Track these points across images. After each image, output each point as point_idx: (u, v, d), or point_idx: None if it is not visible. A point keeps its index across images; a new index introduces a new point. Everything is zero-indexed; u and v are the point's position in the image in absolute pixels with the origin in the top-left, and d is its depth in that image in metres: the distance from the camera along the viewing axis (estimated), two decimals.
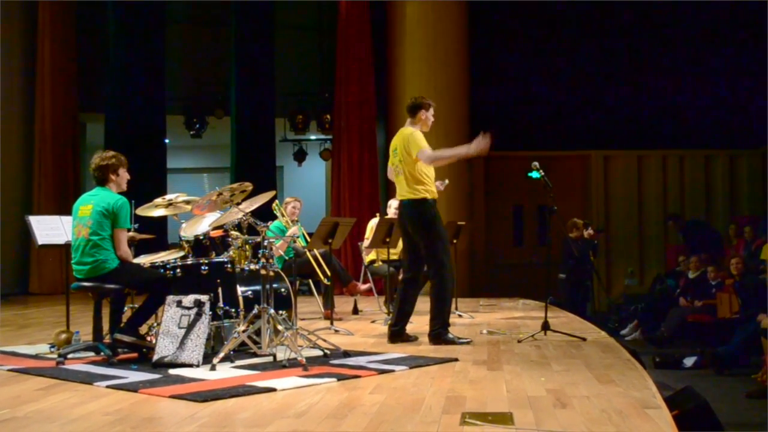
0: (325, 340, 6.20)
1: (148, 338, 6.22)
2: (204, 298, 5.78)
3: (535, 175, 7.29)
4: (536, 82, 16.11)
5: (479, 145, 6.74)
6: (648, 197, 16.11)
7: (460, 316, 9.10)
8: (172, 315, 5.74)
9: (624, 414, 4.07)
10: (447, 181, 7.47)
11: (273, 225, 8.55)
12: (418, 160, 6.77)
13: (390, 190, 11.86)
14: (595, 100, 16.07)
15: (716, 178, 16.20)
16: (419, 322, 7.32)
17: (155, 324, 6.24)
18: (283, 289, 6.82)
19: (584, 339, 7.00)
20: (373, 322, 8.77)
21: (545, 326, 7.17)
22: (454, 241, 9.39)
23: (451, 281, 6.89)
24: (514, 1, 15.79)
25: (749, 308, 9.83)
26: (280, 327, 5.76)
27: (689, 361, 9.57)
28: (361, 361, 5.74)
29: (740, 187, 16.09)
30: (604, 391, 4.70)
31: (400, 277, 7.16)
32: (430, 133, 7.12)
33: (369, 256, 10.04)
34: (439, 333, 6.73)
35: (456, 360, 5.85)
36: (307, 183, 17.98)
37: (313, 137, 17.05)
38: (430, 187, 6.86)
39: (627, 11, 16.00)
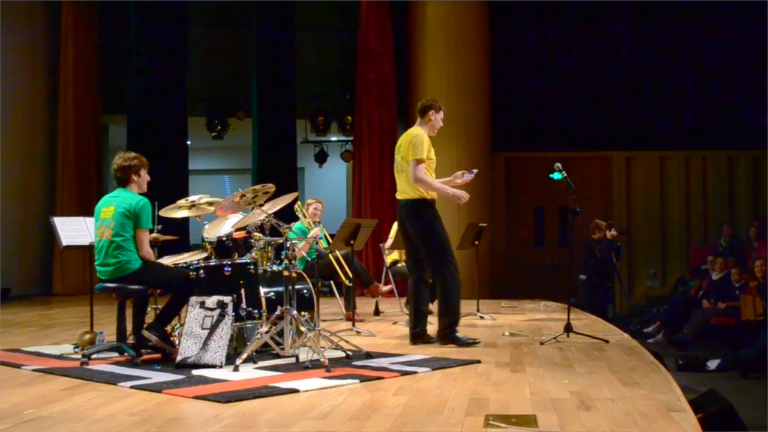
0: (347, 342, 6.20)
1: (171, 338, 6.24)
2: (227, 299, 5.79)
3: (557, 176, 7.25)
4: (558, 83, 16.05)
5: (461, 195, 6.92)
6: (670, 198, 16.02)
7: (481, 317, 9.08)
8: (195, 316, 5.76)
9: (649, 417, 4.04)
10: (476, 171, 7.37)
11: (295, 226, 8.60)
12: (410, 161, 6.80)
13: None
14: (618, 101, 15.99)
15: (739, 179, 16.08)
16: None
17: (178, 325, 6.26)
18: (305, 291, 6.83)
19: (607, 341, 6.96)
20: (394, 323, 8.76)
21: (568, 328, 7.13)
22: (476, 242, 9.38)
23: (455, 280, 6.80)
24: (534, 1, 15.75)
25: None
26: (302, 328, 5.76)
27: (713, 364, 9.49)
28: (383, 362, 5.74)
29: (763, 188, 15.94)
30: (628, 393, 4.67)
31: (409, 280, 7.14)
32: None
33: (391, 257, 10.04)
34: (446, 333, 6.73)
35: (479, 362, 5.84)
36: (328, 184, 18.01)
37: (334, 138, 17.08)
38: None
39: (648, 11, 15.90)
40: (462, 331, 7.18)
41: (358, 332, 7.56)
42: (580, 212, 7.35)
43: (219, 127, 16.28)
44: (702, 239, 15.67)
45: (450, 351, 6.47)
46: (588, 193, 15.15)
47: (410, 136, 6.88)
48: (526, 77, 16.14)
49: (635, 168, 16.11)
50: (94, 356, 6.05)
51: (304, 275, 6.96)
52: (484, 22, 14.60)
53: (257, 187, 6.13)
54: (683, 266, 15.36)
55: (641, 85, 16.08)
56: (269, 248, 6.59)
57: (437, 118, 7.01)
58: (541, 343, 6.87)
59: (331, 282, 9.57)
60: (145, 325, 6.11)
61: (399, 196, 6.93)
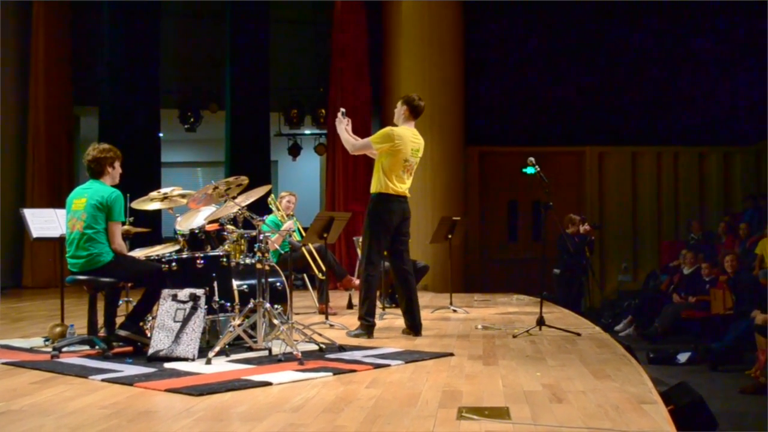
0: (320, 335, 6.19)
1: (144, 330, 6.19)
2: (199, 292, 5.76)
3: (530, 170, 7.28)
4: (531, 78, 16.11)
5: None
6: (642, 193, 16.14)
7: (454, 311, 9.09)
8: (167, 309, 5.73)
9: (620, 409, 4.07)
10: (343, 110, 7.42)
11: (268, 219, 8.58)
12: None
13: None
14: (591, 96, 16.08)
15: (710, 174, 16.23)
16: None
17: (150, 318, 6.22)
18: (278, 284, 6.81)
19: (579, 334, 7.00)
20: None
21: (540, 321, 7.16)
22: (449, 236, 9.39)
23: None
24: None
25: (743, 304, 9.86)
26: (275, 321, 5.75)
27: (683, 357, 9.59)
28: (356, 355, 5.74)
29: (734, 184, 16.11)
30: (600, 386, 4.70)
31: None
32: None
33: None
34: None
35: (451, 355, 5.85)
36: (301, 177, 17.95)
37: (307, 132, 17.03)
38: None
39: (623, 8, 15.99)
40: (434, 325, 7.21)
41: (331, 325, 7.55)
42: (553, 206, 7.39)
43: (192, 120, 16.18)
44: (673, 234, 15.80)
45: (423, 344, 6.48)
46: (561, 187, 15.19)
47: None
48: (500, 72, 16.19)
49: (608, 163, 16.22)
50: (64, 349, 5.99)
51: (277, 268, 6.93)
52: (458, 17, 14.61)
53: (230, 179, 6.11)
54: (654, 261, 15.49)
55: (614, 80, 16.16)
56: (242, 241, 6.56)
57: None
58: (514, 336, 6.90)
59: (305, 275, 9.54)
60: (117, 325, 6.06)
61: (407, 192, 7.01)
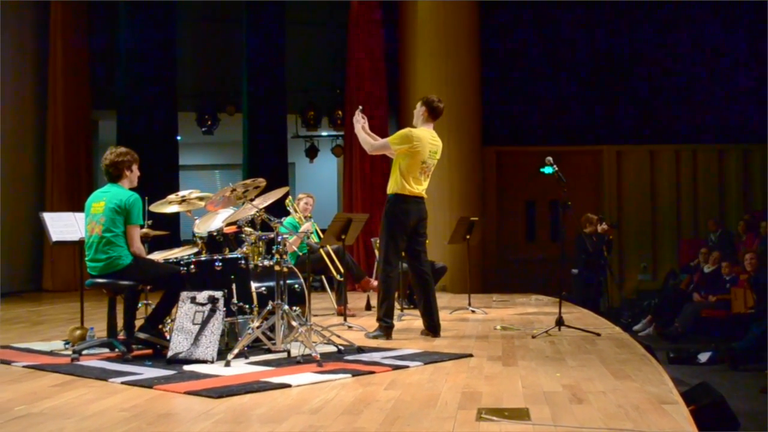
0: (339, 336, 6.19)
1: (163, 334, 6.21)
2: (218, 294, 5.78)
3: (548, 170, 7.26)
4: (548, 77, 16.06)
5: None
6: (661, 192, 16.04)
7: (473, 311, 9.07)
8: (186, 311, 5.74)
9: (641, 409, 4.05)
10: (361, 107, 7.41)
11: (286, 221, 8.57)
12: None
13: None
14: (608, 95, 16.01)
15: (729, 172, 16.11)
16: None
17: (169, 320, 6.24)
18: (296, 285, 6.81)
19: (598, 334, 6.97)
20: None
21: (559, 322, 7.13)
22: (467, 236, 9.37)
23: None
24: None
25: (764, 303, 9.78)
26: (294, 323, 5.75)
27: (704, 357, 9.52)
28: (375, 357, 5.74)
29: (754, 182, 15.98)
30: (621, 386, 4.68)
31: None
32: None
33: None
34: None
35: (471, 356, 5.84)
36: (318, 179, 17.97)
37: (324, 134, 17.04)
38: None
39: (638, 7, 15.91)
40: (453, 326, 7.18)
41: (349, 327, 7.54)
42: (571, 206, 7.36)
43: (209, 123, 16.22)
44: (692, 233, 15.70)
45: (442, 345, 6.47)
46: (579, 187, 15.14)
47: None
48: (517, 72, 16.14)
49: (626, 162, 16.13)
50: (84, 352, 6.02)
51: (296, 270, 6.94)
52: (474, 17, 14.58)
53: (248, 181, 6.12)
54: (674, 260, 15.39)
55: (632, 79, 16.09)
56: (260, 243, 6.57)
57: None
58: (533, 337, 6.88)
59: (323, 277, 9.54)
60: (137, 328, 6.08)
61: (424, 193, 7.02)
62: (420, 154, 6.86)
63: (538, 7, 15.93)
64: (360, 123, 7.17)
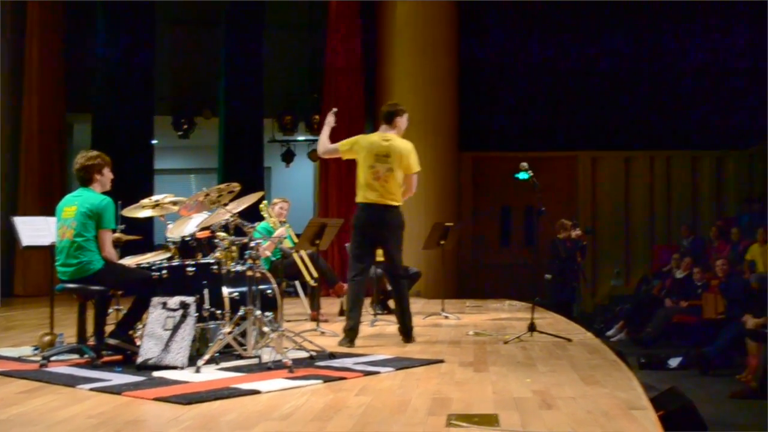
0: (310, 342, 6.18)
1: (133, 339, 6.17)
2: (189, 299, 5.75)
3: (523, 176, 7.31)
4: (525, 83, 16.14)
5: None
6: (635, 198, 16.15)
7: (446, 317, 9.10)
8: (157, 317, 5.71)
9: (610, 415, 4.07)
10: (336, 109, 7.39)
11: (260, 226, 8.57)
12: (413, 174, 6.94)
13: None
14: (584, 101, 16.11)
15: (703, 179, 16.25)
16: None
17: (140, 326, 6.20)
18: (269, 291, 6.79)
19: (570, 340, 7.01)
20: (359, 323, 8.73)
21: (531, 327, 7.17)
22: (442, 242, 9.39)
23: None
24: (504, 1, 15.80)
25: (734, 309, 9.88)
26: (265, 329, 5.73)
27: (674, 362, 9.60)
28: (346, 362, 5.73)
29: (727, 188, 16.12)
30: (590, 392, 4.71)
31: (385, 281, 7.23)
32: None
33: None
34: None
35: (442, 361, 5.85)
36: (295, 184, 17.94)
37: (301, 138, 17.03)
38: None
39: (615, 11, 16.02)
40: (426, 332, 7.20)
41: (322, 332, 7.54)
42: (545, 212, 7.40)
43: (185, 126, 16.17)
44: (666, 239, 15.82)
45: (414, 350, 6.49)
46: (554, 192, 15.22)
47: (407, 149, 6.97)
48: (494, 77, 16.21)
49: (601, 168, 16.25)
50: (53, 358, 5.96)
51: (268, 275, 6.93)
52: (453, 21, 14.64)
53: (222, 186, 6.10)
54: (647, 265, 15.49)
55: (607, 85, 16.20)
56: (233, 248, 6.54)
57: (403, 121, 7.07)
58: (505, 343, 6.90)
59: (297, 282, 9.53)
60: (107, 334, 6.04)
61: (383, 200, 6.89)
62: (368, 157, 6.87)
63: (516, 13, 16.00)
64: (329, 125, 7.17)
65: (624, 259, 15.92)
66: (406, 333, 7.01)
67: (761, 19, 13.68)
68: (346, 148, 7.03)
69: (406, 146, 6.98)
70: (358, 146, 6.95)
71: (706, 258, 13.00)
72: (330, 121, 7.16)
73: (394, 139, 6.99)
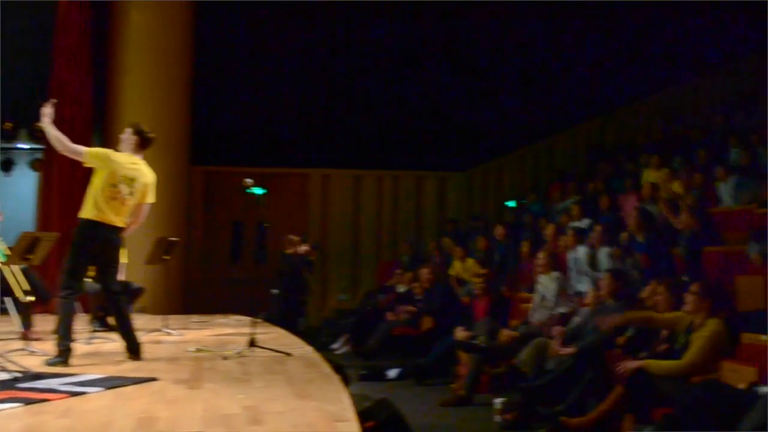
0: (14, 363, 5.85)
1: None
2: None
3: (256, 190, 7.43)
4: (259, 99, 16.24)
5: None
6: (364, 216, 16.70)
7: (168, 333, 8.94)
8: None
9: (315, 428, 4.20)
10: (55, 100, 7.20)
11: None
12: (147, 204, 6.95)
13: None
14: (317, 119, 16.50)
15: (427, 198, 17.10)
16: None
17: None
18: None
19: (290, 354, 7.12)
20: (73, 341, 8.36)
21: (252, 342, 7.21)
22: (166, 257, 9.23)
23: None
24: (242, 9, 15.78)
25: (445, 322, 10.46)
26: None
27: (393, 373, 9.97)
28: (53, 383, 5.47)
29: (449, 208, 17.05)
30: (300, 405, 4.82)
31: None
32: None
33: None
34: None
35: (155, 379, 5.74)
36: (16, 194, 16.84)
37: (24, 146, 16.07)
38: None
39: (347, 32, 16.53)
40: (145, 349, 7.06)
41: (32, 352, 7.14)
42: (270, 226, 7.52)
43: None
44: (391, 255, 16.47)
45: (128, 369, 6.32)
46: (287, 209, 15.43)
47: (154, 177, 6.98)
48: (230, 89, 16.18)
49: (332, 186, 16.65)
50: None
51: None
52: (188, 29, 14.37)
53: None
54: (373, 281, 16.06)
55: (340, 105, 16.68)
56: None
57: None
58: (225, 358, 6.90)
59: (9, 298, 8.94)
60: None
61: (113, 221, 6.77)
62: (113, 175, 6.71)
63: (254, 23, 16.04)
64: (48, 117, 6.85)
65: (352, 274, 16.40)
66: (134, 351, 6.82)
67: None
68: (93, 157, 6.79)
69: (151, 175, 7.00)
70: (108, 161, 6.74)
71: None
72: (48, 112, 6.85)
73: (141, 164, 6.90)
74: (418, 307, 11.75)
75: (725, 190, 11.04)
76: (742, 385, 5.62)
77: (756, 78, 14.30)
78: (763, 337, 6.33)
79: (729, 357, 6.38)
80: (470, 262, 12.53)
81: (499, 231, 12.79)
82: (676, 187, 11.50)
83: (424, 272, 11.57)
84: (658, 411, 5.98)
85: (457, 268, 12.62)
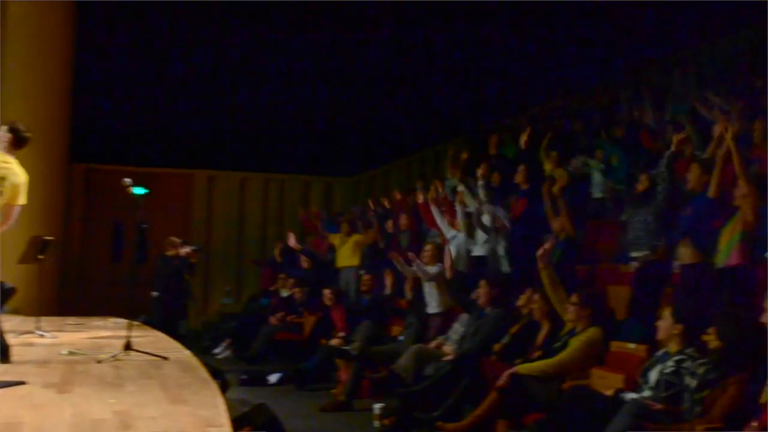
0: None
1: None
2: None
3: (139, 191, 7.26)
4: (143, 97, 15.93)
5: None
6: (249, 218, 16.59)
7: (41, 335, 8.64)
8: None
9: None
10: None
11: None
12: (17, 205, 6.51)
13: None
14: (204, 119, 16.28)
15: (314, 202, 17.10)
16: None
17: None
18: None
19: (166, 358, 6.98)
20: None
21: (128, 346, 7.04)
22: (40, 256, 8.93)
23: None
24: (126, 6, 15.42)
25: (326, 325, 10.51)
26: None
27: (274, 378, 9.93)
28: None
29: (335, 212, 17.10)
30: (173, 411, 4.72)
31: None
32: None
33: None
34: None
35: (23, 383, 5.54)
36: None
37: None
38: None
39: (227, 29, 16.36)
40: (15, 351, 6.81)
41: None
42: (151, 227, 7.38)
43: None
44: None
45: None
46: (170, 209, 15.19)
47: (26, 178, 6.49)
48: (112, 86, 15.81)
49: (217, 187, 16.47)
50: None
51: None
52: (68, 23, 14.00)
53: None
54: (258, 284, 15.95)
55: (228, 105, 16.51)
56: None
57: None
58: (99, 362, 6.71)
59: None
60: None
61: None
62: None
63: (141, 18, 15.69)
64: None
65: (236, 277, 16.26)
66: (2, 353, 6.56)
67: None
68: None
69: (23, 176, 6.62)
70: None
71: None
72: None
73: (13, 164, 6.60)
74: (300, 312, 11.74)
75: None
76: (609, 392, 5.81)
77: None
78: (631, 345, 6.58)
79: (598, 364, 6.61)
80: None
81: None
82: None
83: (327, 293, 11.41)
84: (531, 417, 6.15)
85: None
